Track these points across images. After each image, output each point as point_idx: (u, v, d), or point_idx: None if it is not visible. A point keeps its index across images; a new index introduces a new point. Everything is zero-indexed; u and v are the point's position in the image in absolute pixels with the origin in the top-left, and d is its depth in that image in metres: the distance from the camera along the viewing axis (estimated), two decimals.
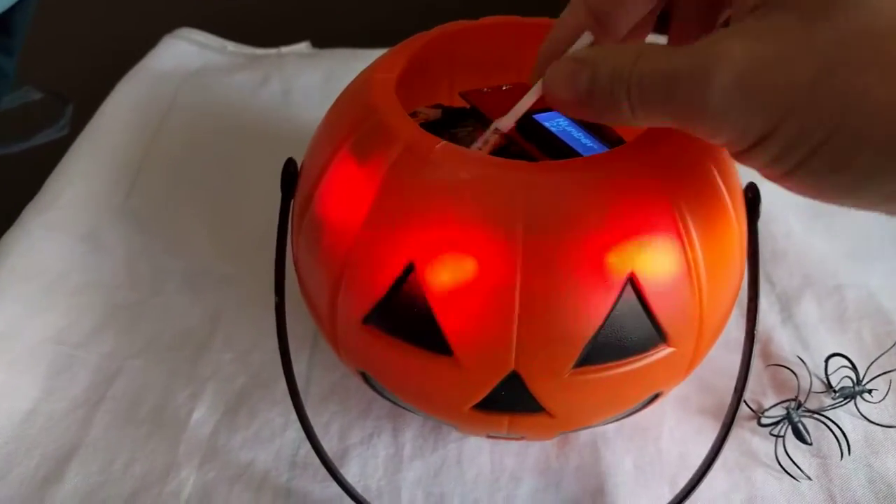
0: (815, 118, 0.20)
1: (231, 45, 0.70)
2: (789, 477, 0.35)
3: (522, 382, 0.28)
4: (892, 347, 0.39)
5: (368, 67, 0.34)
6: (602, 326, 0.26)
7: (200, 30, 0.69)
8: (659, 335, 0.28)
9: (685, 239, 0.27)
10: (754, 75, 0.20)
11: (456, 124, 0.37)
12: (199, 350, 0.41)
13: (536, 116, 0.36)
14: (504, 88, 0.39)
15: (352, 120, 0.30)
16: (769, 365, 0.39)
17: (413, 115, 0.36)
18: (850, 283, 0.44)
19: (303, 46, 0.70)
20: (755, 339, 0.30)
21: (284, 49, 0.69)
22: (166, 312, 0.43)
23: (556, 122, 0.35)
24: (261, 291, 0.42)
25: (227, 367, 0.40)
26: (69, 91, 0.84)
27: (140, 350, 0.40)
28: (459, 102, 0.38)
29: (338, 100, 0.34)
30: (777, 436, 0.35)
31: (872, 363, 0.38)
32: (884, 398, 0.37)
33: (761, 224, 0.30)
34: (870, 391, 0.37)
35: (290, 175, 0.34)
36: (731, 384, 0.30)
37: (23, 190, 0.51)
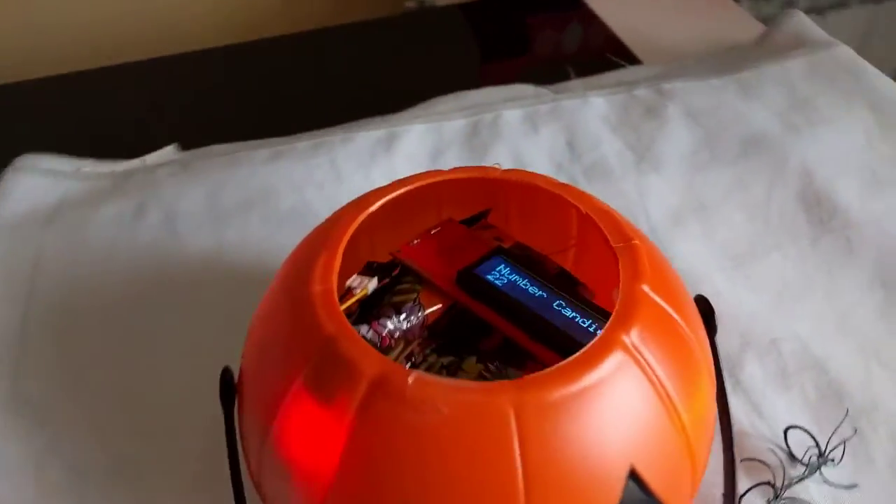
0: None
1: (87, 165, 0.62)
2: None
3: None
4: (846, 417, 0.41)
5: (293, 266, 0.31)
6: None
7: (43, 152, 0.61)
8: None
9: (671, 408, 0.27)
10: None
11: (394, 288, 0.34)
12: None
13: (477, 270, 0.34)
14: (433, 232, 0.37)
15: (301, 344, 0.27)
16: (743, 460, 0.39)
17: (348, 290, 0.33)
18: (783, 336, 0.45)
19: (169, 151, 0.64)
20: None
21: (149, 159, 0.63)
22: None
23: (498, 273, 0.34)
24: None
25: None
26: None
27: None
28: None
29: (271, 306, 0.30)
30: None
31: (833, 434, 0.40)
32: (841, 460, 0.39)
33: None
34: (832, 459, 0.39)
35: (229, 386, 0.30)
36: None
37: None
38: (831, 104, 0.59)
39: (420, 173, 0.34)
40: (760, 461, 0.39)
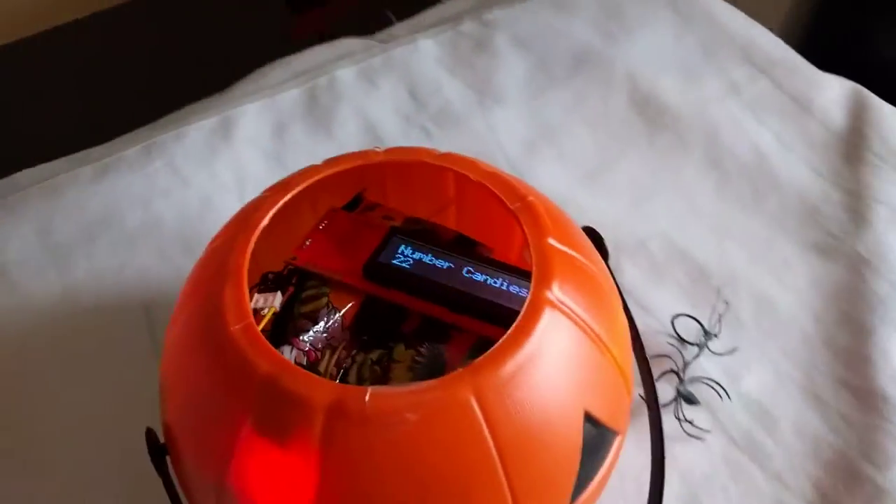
0: None
1: None
2: (696, 439, 0.40)
3: None
4: (719, 294, 0.46)
5: (197, 305, 0.28)
6: (580, 462, 0.27)
7: None
8: (612, 434, 0.30)
9: (602, 346, 0.29)
10: None
11: (300, 297, 0.33)
12: None
13: (382, 259, 0.33)
14: (322, 228, 0.36)
15: (236, 389, 0.25)
16: (650, 357, 0.43)
17: (254, 313, 0.31)
18: (648, 235, 0.50)
19: None
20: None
21: None
22: None
23: (402, 256, 0.34)
24: None
25: None
26: None
27: None
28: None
29: (186, 353, 0.28)
30: (678, 417, 0.41)
31: (712, 312, 0.44)
32: (720, 331, 0.45)
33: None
34: (715, 334, 0.44)
35: (157, 448, 0.29)
36: None
37: None
38: (638, 8, 0.63)
39: (298, 173, 0.33)
40: (660, 355, 0.43)
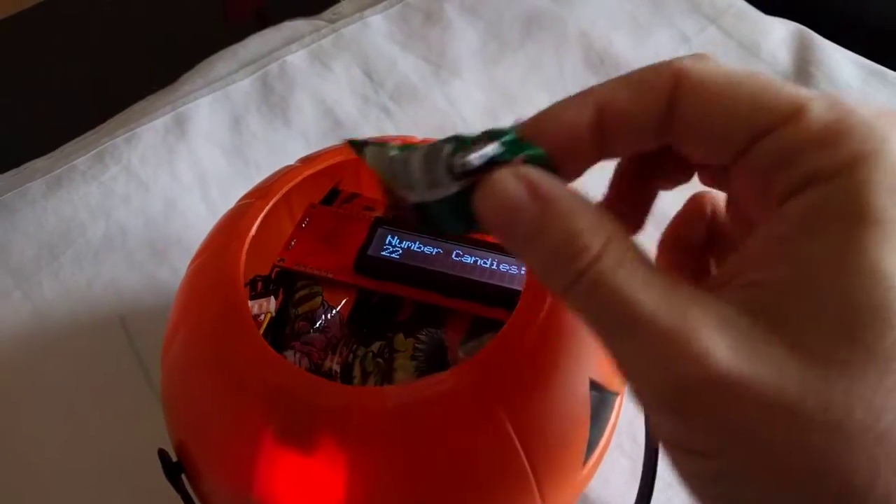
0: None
1: None
2: None
3: None
4: None
5: (195, 322, 0.28)
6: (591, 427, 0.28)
7: None
8: (613, 395, 0.31)
9: None
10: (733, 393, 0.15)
11: (294, 298, 0.33)
12: None
13: (371, 252, 0.33)
14: (304, 226, 0.35)
15: (253, 401, 0.25)
16: None
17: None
18: None
19: None
20: None
21: None
22: None
23: (390, 247, 0.34)
24: None
25: None
26: None
27: None
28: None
29: (192, 370, 0.28)
30: None
31: None
32: None
33: None
34: None
35: (172, 467, 0.29)
36: None
37: None
38: None
39: (276, 175, 0.32)
40: None
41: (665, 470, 0.41)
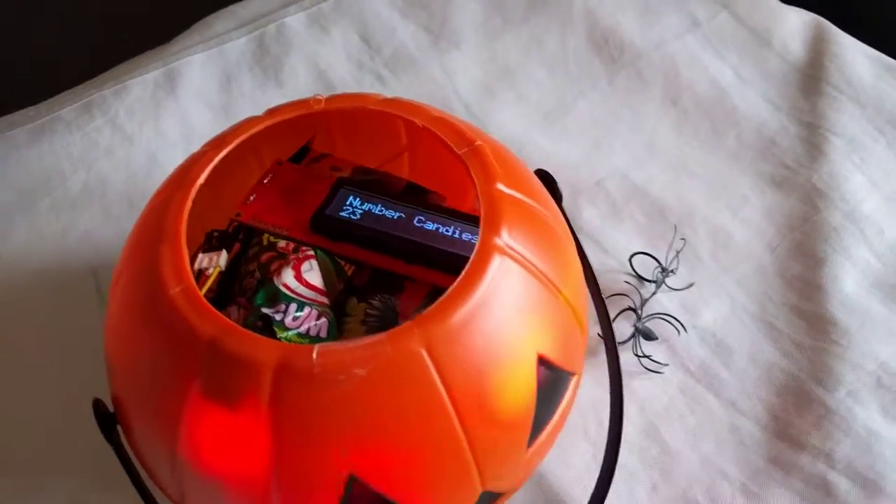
0: None
1: None
2: (654, 373, 0.41)
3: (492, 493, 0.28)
4: (675, 232, 0.46)
5: (136, 268, 0.27)
6: (536, 405, 0.27)
7: None
8: (567, 375, 0.30)
9: (553, 289, 0.28)
10: None
11: (247, 254, 0.32)
12: None
13: (329, 211, 0.32)
14: (266, 182, 0.34)
15: (181, 354, 0.25)
16: (608, 297, 0.43)
17: (199, 273, 0.30)
18: (606, 174, 0.49)
19: None
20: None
21: None
22: None
23: (350, 208, 0.33)
24: None
25: None
26: None
27: None
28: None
29: (127, 321, 0.27)
30: (636, 354, 0.41)
31: (669, 248, 0.44)
32: (678, 267, 0.45)
33: None
34: (672, 270, 0.44)
35: (106, 417, 0.28)
36: None
37: None
38: None
39: (237, 125, 0.31)
40: (618, 294, 0.43)
41: (628, 457, 0.40)
